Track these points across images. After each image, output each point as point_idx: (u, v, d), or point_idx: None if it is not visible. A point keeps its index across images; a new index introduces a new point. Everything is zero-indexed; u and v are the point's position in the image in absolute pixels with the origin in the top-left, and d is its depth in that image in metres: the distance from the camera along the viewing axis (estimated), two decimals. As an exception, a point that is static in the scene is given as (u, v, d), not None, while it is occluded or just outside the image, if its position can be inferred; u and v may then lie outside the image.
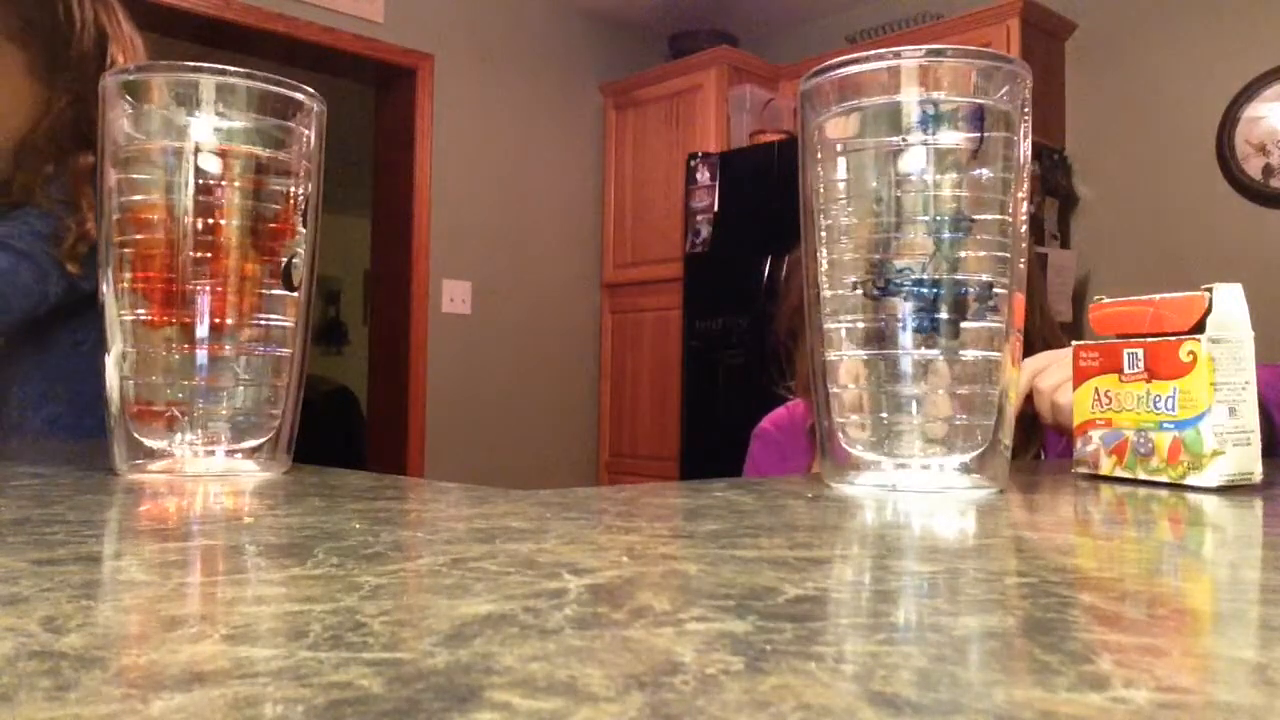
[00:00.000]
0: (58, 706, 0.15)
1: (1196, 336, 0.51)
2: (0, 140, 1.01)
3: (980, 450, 0.49)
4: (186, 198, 0.52)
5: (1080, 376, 0.58)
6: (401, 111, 3.60)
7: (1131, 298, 0.56)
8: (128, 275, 0.53)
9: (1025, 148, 0.50)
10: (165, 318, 0.53)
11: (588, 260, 4.10)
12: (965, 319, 0.48)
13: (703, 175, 3.58)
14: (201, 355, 0.53)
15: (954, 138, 0.49)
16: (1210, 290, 0.51)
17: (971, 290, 0.48)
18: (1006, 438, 0.50)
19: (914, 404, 0.49)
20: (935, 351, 0.48)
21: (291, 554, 0.30)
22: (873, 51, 0.49)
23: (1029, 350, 0.81)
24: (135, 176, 0.53)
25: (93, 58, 1.00)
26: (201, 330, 0.53)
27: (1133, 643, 0.21)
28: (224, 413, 0.54)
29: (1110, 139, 3.20)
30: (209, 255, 0.53)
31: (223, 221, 0.53)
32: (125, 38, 1.03)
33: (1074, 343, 0.59)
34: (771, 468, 1.13)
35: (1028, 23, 3.14)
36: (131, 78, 0.54)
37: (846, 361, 0.51)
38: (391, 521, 0.37)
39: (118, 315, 0.53)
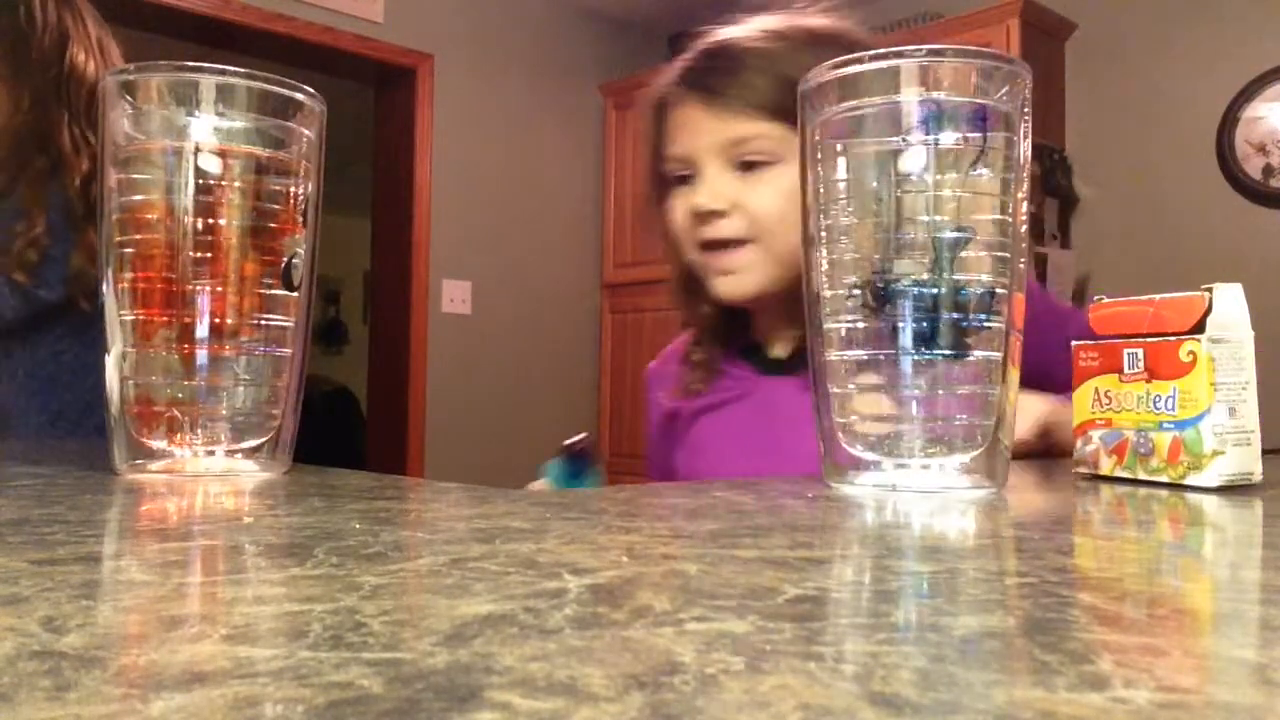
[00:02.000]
0: (58, 706, 0.15)
1: (1196, 336, 0.51)
2: None
3: (980, 450, 0.49)
4: (186, 198, 0.52)
5: (1080, 376, 0.58)
6: (401, 111, 3.60)
7: (1131, 298, 0.56)
8: (128, 275, 0.53)
9: (1025, 148, 0.50)
10: (165, 318, 0.53)
11: (588, 260, 4.10)
12: (965, 320, 0.48)
13: (703, 175, 3.58)
14: (201, 355, 0.53)
15: (954, 138, 0.49)
16: (1210, 290, 0.51)
17: (971, 292, 0.48)
18: (1006, 438, 0.50)
19: (914, 404, 0.49)
20: (935, 352, 0.48)
21: (291, 554, 0.30)
22: (873, 51, 0.49)
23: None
24: (135, 176, 0.53)
25: (53, 59, 0.99)
26: (201, 330, 0.53)
27: (1133, 643, 0.21)
28: (224, 413, 0.54)
29: (1110, 139, 3.20)
30: (209, 255, 0.53)
31: (223, 221, 0.53)
32: (90, 38, 1.02)
33: (1074, 343, 0.59)
34: (656, 411, 0.99)
35: (1028, 23, 3.13)
36: (131, 78, 0.54)
37: (847, 361, 0.51)
38: (391, 521, 0.37)
39: (118, 315, 0.53)
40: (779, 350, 0.85)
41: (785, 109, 0.75)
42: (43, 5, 0.99)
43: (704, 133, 0.78)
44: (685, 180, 0.80)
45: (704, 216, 0.77)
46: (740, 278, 0.78)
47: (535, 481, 0.84)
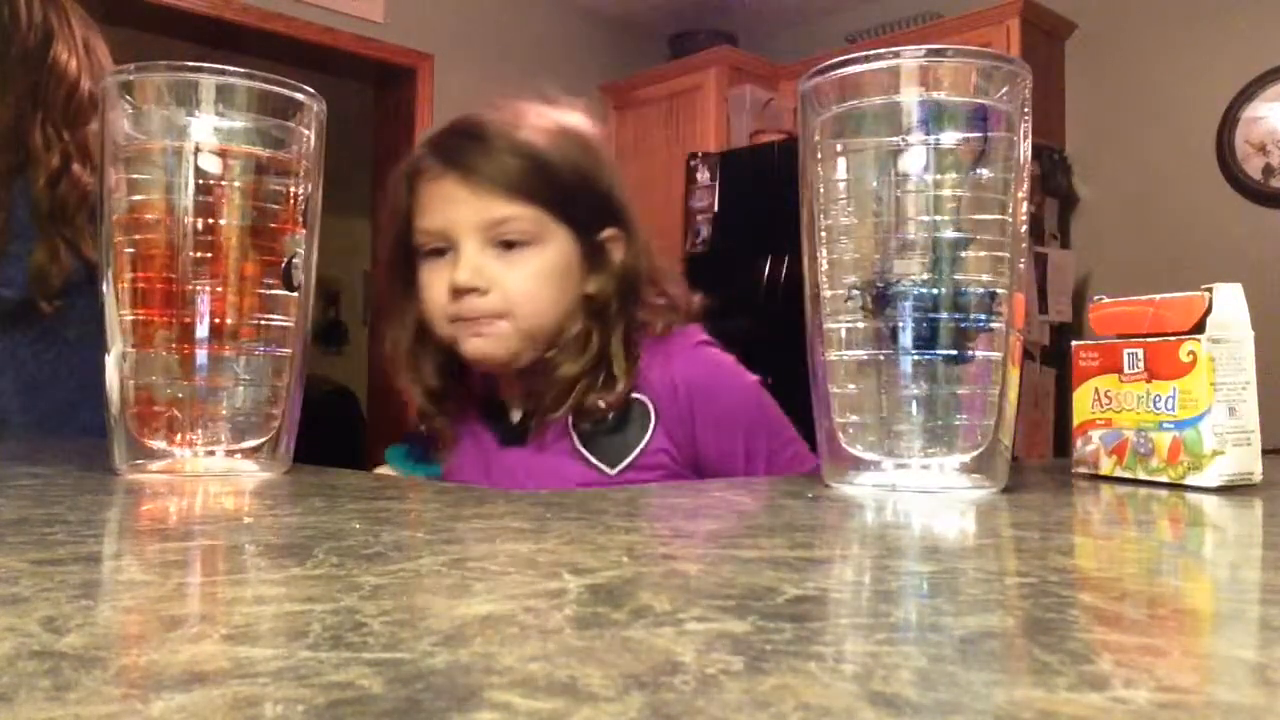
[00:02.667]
0: (58, 706, 0.15)
1: (1196, 336, 0.51)
2: None
3: (980, 450, 0.49)
4: (186, 198, 0.52)
5: (1080, 376, 0.58)
6: (401, 111, 3.60)
7: (1131, 298, 0.56)
8: (128, 275, 0.53)
9: (1025, 148, 0.50)
10: (165, 318, 0.53)
11: (588, 260, 4.10)
12: (965, 321, 0.48)
13: (703, 175, 3.58)
14: (201, 355, 0.53)
15: (954, 138, 0.49)
16: (1210, 290, 0.51)
17: (971, 292, 0.48)
18: (1006, 438, 0.50)
19: (914, 404, 0.49)
20: (935, 352, 0.48)
21: (291, 554, 0.30)
22: (873, 51, 0.49)
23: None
24: (135, 176, 0.53)
25: (36, 58, 0.98)
26: (201, 330, 0.53)
27: (1133, 643, 0.21)
28: (224, 413, 0.54)
29: (1110, 139, 3.20)
30: (209, 255, 0.53)
31: (223, 221, 0.53)
32: (75, 37, 1.01)
33: (1074, 343, 0.59)
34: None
35: (1028, 23, 3.13)
36: (131, 78, 0.54)
37: (846, 361, 0.51)
38: (391, 521, 0.37)
39: (118, 315, 0.53)
40: (515, 415, 0.87)
41: (541, 194, 0.80)
42: (27, 4, 0.98)
43: (463, 209, 0.79)
44: (439, 254, 0.81)
45: (461, 292, 0.79)
46: (491, 342, 0.80)
47: (381, 466, 0.88)
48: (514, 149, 0.81)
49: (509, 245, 0.80)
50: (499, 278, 0.79)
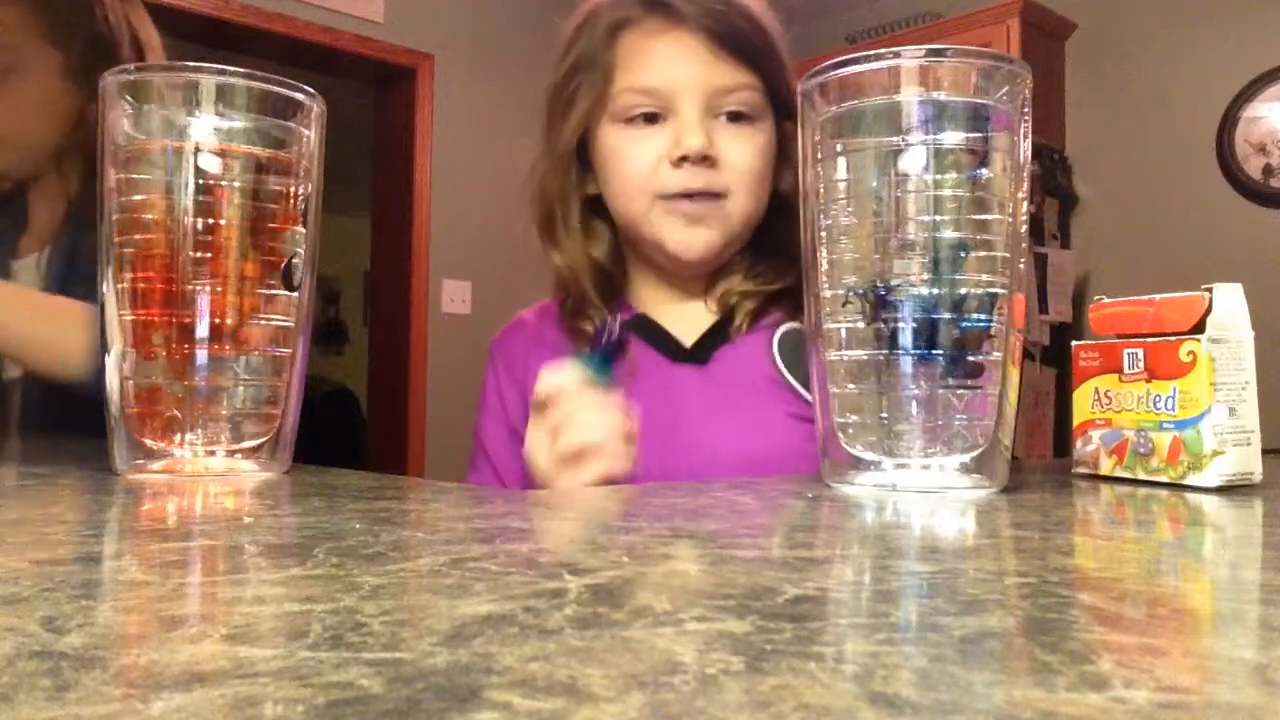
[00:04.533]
0: (58, 706, 0.15)
1: (1196, 336, 0.51)
2: (33, 142, 0.97)
3: (980, 450, 0.49)
4: (186, 198, 0.52)
5: (1080, 376, 0.58)
6: (401, 111, 3.60)
7: (1131, 298, 0.56)
8: (128, 275, 0.53)
9: (1025, 148, 0.50)
10: (165, 318, 0.53)
11: (588, 260, 4.09)
12: (965, 321, 0.48)
13: (703, 175, 3.58)
14: (201, 355, 0.53)
15: (954, 138, 0.49)
16: (1210, 290, 0.51)
17: (971, 292, 0.48)
18: (1006, 438, 0.50)
19: (914, 404, 0.49)
20: (935, 352, 0.48)
21: (291, 554, 0.30)
22: (873, 51, 0.49)
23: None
24: (135, 176, 0.53)
25: (130, 62, 0.99)
26: (201, 330, 0.53)
27: (1133, 643, 0.21)
28: (224, 413, 0.54)
29: (1110, 139, 3.20)
30: (209, 255, 0.53)
31: (223, 221, 0.53)
32: (155, 42, 1.02)
33: (1074, 343, 0.59)
34: (508, 385, 0.84)
35: (1028, 23, 3.14)
36: (131, 78, 0.54)
37: (846, 362, 0.51)
38: (391, 521, 0.37)
39: (118, 315, 0.53)
40: (682, 334, 0.76)
41: (763, 65, 0.71)
42: (111, 7, 0.98)
43: (691, 69, 0.70)
44: (644, 121, 0.71)
45: (685, 161, 0.69)
46: (708, 232, 0.70)
47: (560, 370, 0.65)
48: (740, 11, 0.72)
49: (733, 118, 0.71)
50: (725, 151, 0.69)
